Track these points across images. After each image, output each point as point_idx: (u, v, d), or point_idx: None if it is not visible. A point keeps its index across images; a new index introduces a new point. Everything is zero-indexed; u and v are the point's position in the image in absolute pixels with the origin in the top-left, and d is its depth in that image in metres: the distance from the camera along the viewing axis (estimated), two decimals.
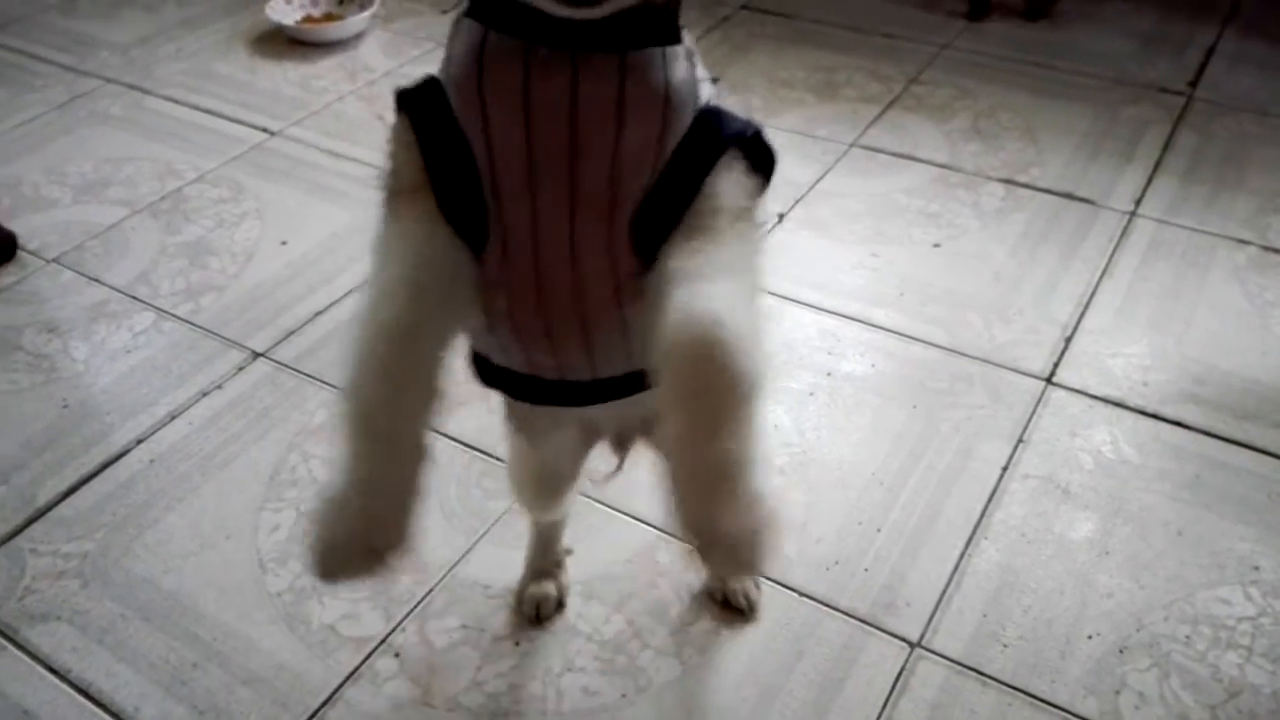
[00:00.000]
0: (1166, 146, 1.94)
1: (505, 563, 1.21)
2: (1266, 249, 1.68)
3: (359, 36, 2.40)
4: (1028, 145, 1.96)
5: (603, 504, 1.29)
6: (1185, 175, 1.86)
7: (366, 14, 2.39)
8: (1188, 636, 1.13)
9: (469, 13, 0.67)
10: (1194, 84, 2.14)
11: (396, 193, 0.69)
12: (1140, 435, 1.37)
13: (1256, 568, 1.20)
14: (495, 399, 0.88)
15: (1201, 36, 2.31)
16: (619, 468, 0.96)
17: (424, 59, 2.32)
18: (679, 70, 0.66)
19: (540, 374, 0.79)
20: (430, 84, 0.68)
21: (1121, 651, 1.12)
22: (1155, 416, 1.40)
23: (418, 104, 0.68)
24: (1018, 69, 2.21)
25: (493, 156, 0.66)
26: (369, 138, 2.05)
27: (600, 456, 0.98)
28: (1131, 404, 1.41)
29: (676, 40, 0.66)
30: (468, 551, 1.25)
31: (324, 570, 0.66)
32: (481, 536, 1.26)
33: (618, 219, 0.67)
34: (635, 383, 0.77)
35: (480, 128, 0.66)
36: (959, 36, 2.34)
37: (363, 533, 0.65)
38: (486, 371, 0.83)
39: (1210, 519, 1.26)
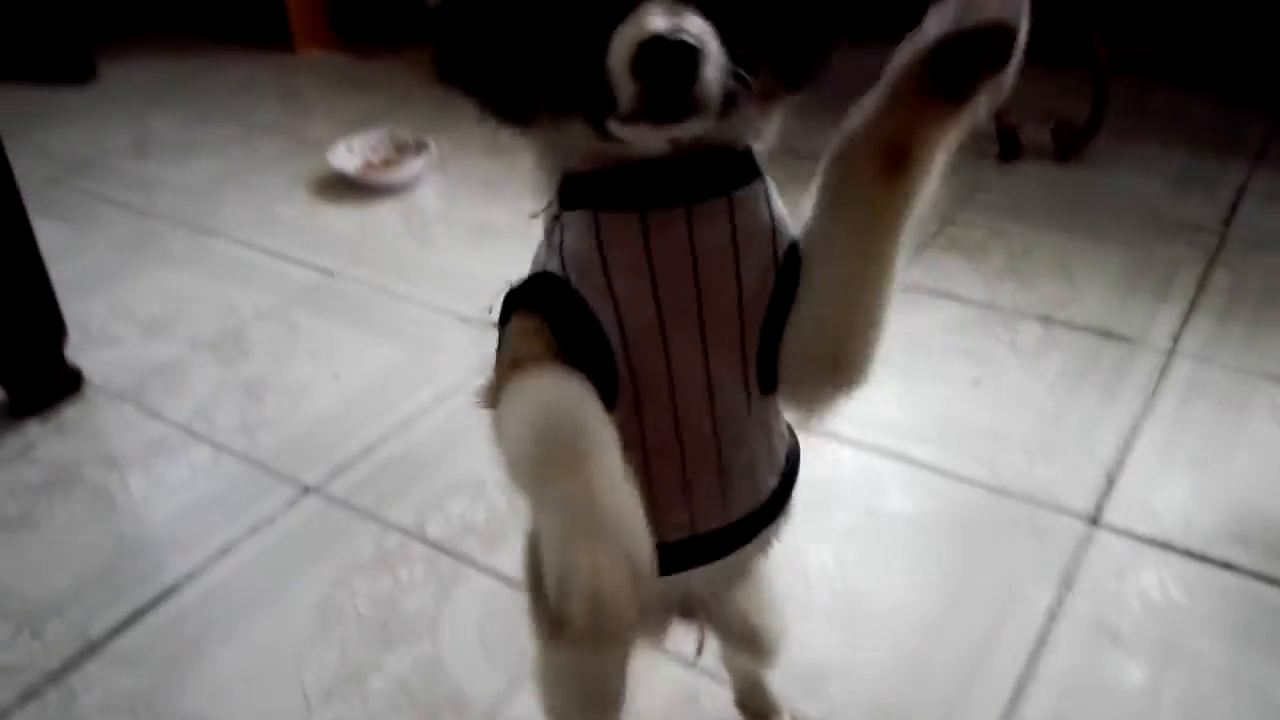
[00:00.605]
0: (1202, 285, 1.97)
1: None
2: None
3: (415, 180, 2.51)
4: (1063, 284, 2.00)
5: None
6: (1222, 313, 1.88)
7: (422, 160, 2.51)
8: None
9: (566, 205, 0.70)
10: (1227, 222, 2.17)
11: (515, 363, 0.66)
12: (1189, 577, 1.35)
13: None
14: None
15: (1232, 175, 2.36)
16: (702, 642, 0.93)
17: (475, 201, 2.42)
18: (775, 200, 0.71)
19: (666, 538, 0.72)
20: (549, 281, 0.69)
21: None
22: (1202, 558, 1.38)
23: (548, 303, 0.68)
24: (1051, 208, 2.27)
25: (624, 327, 0.68)
26: (422, 277, 2.13)
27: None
28: (1178, 545, 1.40)
29: (762, 174, 0.71)
30: (509, 693, 1.25)
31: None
32: (525, 677, 1.26)
33: (747, 348, 0.71)
34: (760, 519, 0.80)
35: (612, 306, 0.68)
36: (991, 177, 2.41)
37: None
38: None
39: (1264, 665, 1.23)
